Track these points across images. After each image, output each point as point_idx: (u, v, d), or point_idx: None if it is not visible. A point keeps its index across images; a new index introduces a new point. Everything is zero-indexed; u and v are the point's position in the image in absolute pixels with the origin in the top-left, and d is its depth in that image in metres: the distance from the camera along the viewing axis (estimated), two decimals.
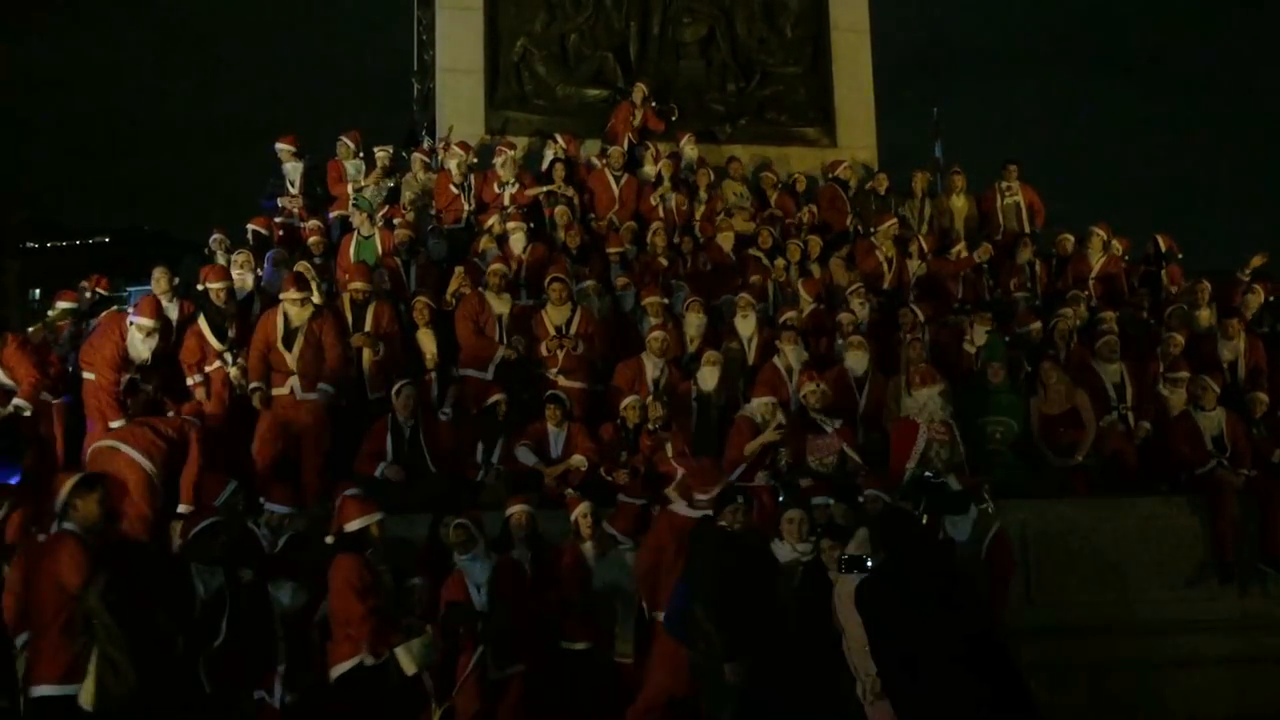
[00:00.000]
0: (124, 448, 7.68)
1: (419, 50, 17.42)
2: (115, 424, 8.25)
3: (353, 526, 6.63)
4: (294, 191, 12.56)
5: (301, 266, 10.35)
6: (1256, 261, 12.30)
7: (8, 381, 8.62)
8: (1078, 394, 9.65)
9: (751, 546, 7.01)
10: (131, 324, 8.82)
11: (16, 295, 50.16)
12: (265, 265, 10.78)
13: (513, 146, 12.83)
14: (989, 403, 9.44)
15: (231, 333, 9.16)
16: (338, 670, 6.37)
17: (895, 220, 12.64)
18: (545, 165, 12.82)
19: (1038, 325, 10.77)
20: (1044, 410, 9.62)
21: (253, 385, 8.79)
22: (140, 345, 8.78)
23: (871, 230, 12.55)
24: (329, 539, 6.82)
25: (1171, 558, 8.95)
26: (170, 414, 8.42)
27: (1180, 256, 12.96)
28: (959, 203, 13.74)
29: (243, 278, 10.17)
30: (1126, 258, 12.99)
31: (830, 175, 13.72)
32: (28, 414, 8.59)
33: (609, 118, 13.52)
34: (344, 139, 12.86)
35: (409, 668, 6.38)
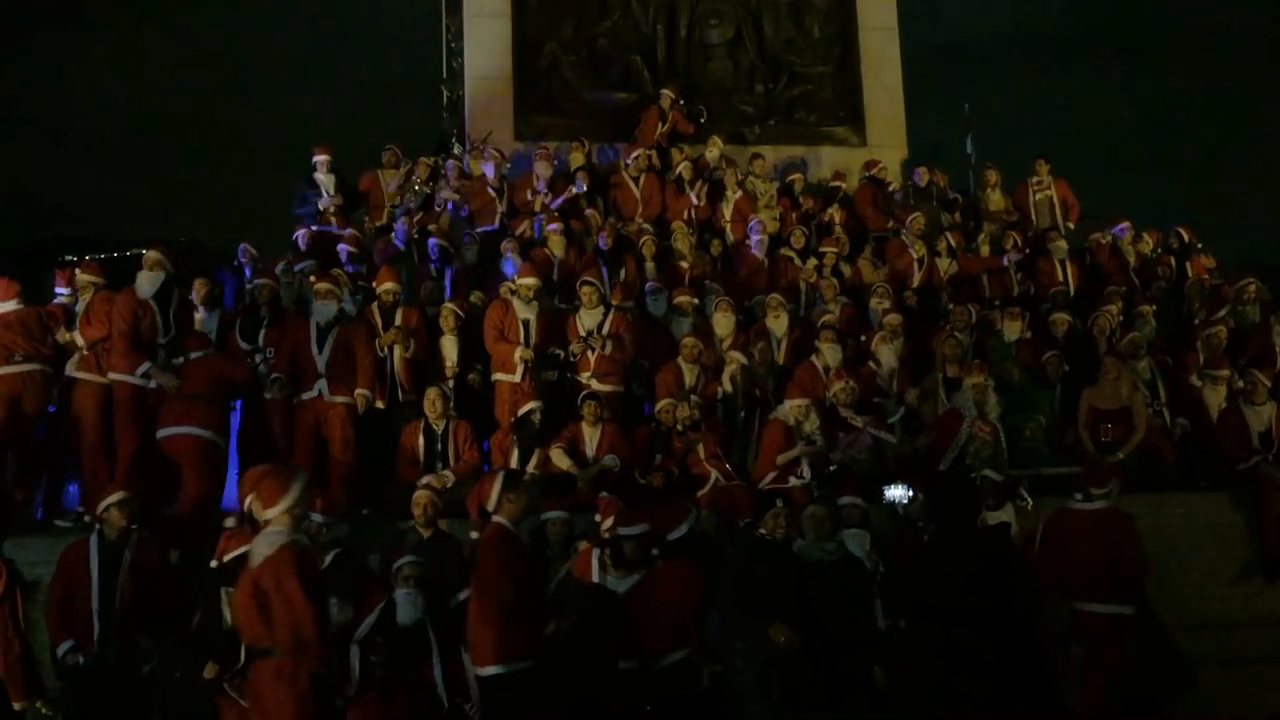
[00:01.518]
0: None
1: (447, 57, 17.47)
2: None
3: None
4: (330, 200, 12.62)
5: (335, 272, 10.40)
6: None
7: None
8: (1136, 394, 9.58)
9: (785, 553, 6.98)
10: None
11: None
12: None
13: (551, 153, 12.83)
14: (1016, 400, 9.41)
15: (262, 338, 9.20)
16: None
17: (922, 216, 12.57)
18: (570, 170, 12.85)
19: (1063, 317, 10.68)
20: (1095, 403, 9.56)
21: (273, 376, 8.80)
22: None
23: (901, 229, 12.50)
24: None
25: (1214, 554, 8.87)
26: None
27: (1199, 246, 12.83)
28: (994, 198, 13.66)
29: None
30: (1158, 250, 12.87)
31: (866, 175, 13.68)
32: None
33: (637, 120, 13.54)
34: (390, 148, 12.97)
35: None
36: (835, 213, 12.90)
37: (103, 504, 6.98)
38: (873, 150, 14.32)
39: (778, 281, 11.45)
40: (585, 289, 9.98)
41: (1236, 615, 8.61)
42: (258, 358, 9.17)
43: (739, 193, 12.80)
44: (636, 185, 12.59)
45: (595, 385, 9.57)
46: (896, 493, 7.86)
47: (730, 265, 11.92)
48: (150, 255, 8.71)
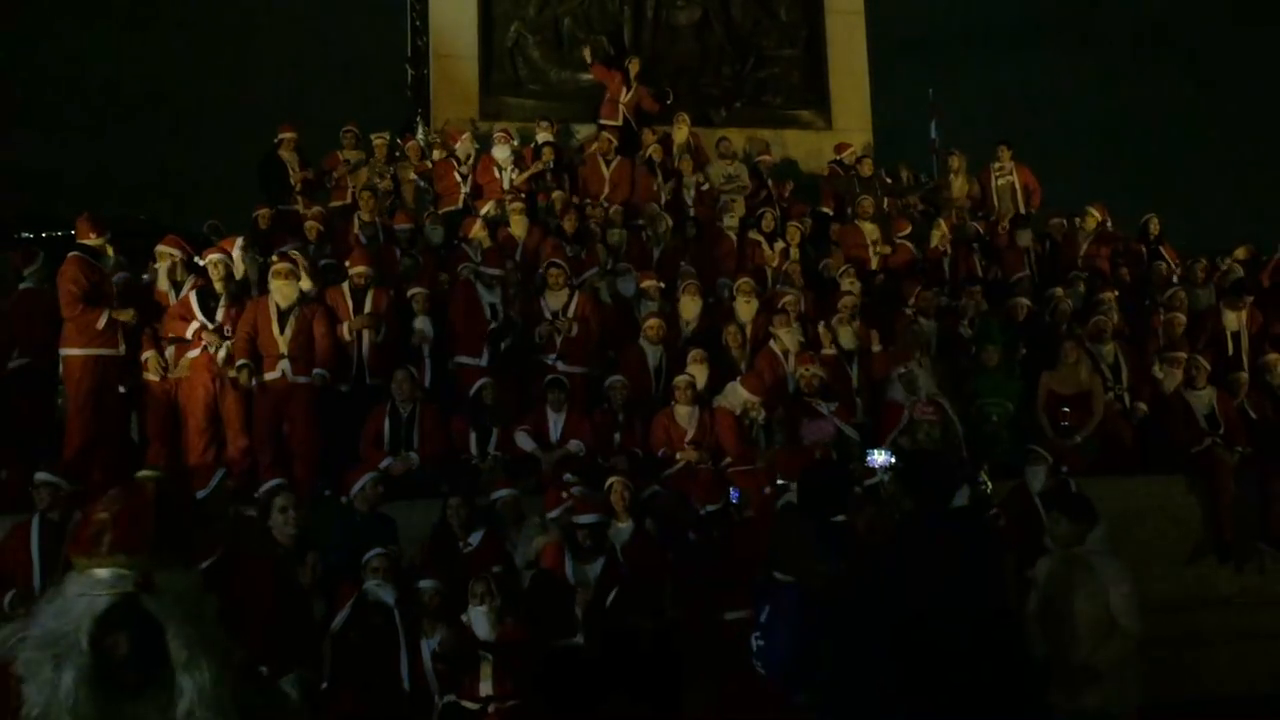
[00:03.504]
0: None
1: (412, 36, 17.33)
2: None
3: None
4: (294, 179, 12.51)
5: (293, 254, 10.30)
6: (1240, 254, 12.36)
7: None
8: (1094, 379, 9.70)
9: None
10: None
11: (13, 285, 50.09)
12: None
13: (511, 135, 12.80)
14: (985, 384, 9.50)
15: (220, 314, 9.13)
16: None
17: (872, 201, 12.64)
18: (535, 150, 12.81)
19: (1023, 302, 10.79)
20: (1054, 387, 9.67)
21: (240, 363, 8.72)
22: None
23: (855, 213, 12.58)
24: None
25: (1169, 536, 9.01)
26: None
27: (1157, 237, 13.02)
28: (957, 183, 13.77)
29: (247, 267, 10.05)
30: (1115, 240, 13.01)
31: (835, 159, 13.73)
32: None
33: (603, 101, 13.51)
34: (349, 129, 12.87)
35: None
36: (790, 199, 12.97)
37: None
38: (838, 134, 14.39)
39: (746, 265, 11.47)
40: (552, 270, 9.95)
41: (1190, 595, 8.75)
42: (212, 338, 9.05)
43: (705, 182, 12.82)
44: (606, 166, 12.57)
45: (561, 367, 9.57)
46: (880, 458, 7.90)
47: (700, 247, 11.93)
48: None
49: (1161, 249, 12.75)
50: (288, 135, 12.54)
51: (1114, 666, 5.15)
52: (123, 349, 8.67)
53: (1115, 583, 5.23)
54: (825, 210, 13.05)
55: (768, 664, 4.56)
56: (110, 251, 9.07)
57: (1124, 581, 5.25)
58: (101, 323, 8.40)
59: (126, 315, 8.58)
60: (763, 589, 4.74)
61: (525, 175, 12.29)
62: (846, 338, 9.93)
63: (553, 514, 7.26)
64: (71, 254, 8.65)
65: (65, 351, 8.51)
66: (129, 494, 2.79)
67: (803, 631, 4.42)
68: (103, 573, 2.62)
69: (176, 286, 9.29)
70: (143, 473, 2.95)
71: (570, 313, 9.77)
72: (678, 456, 8.77)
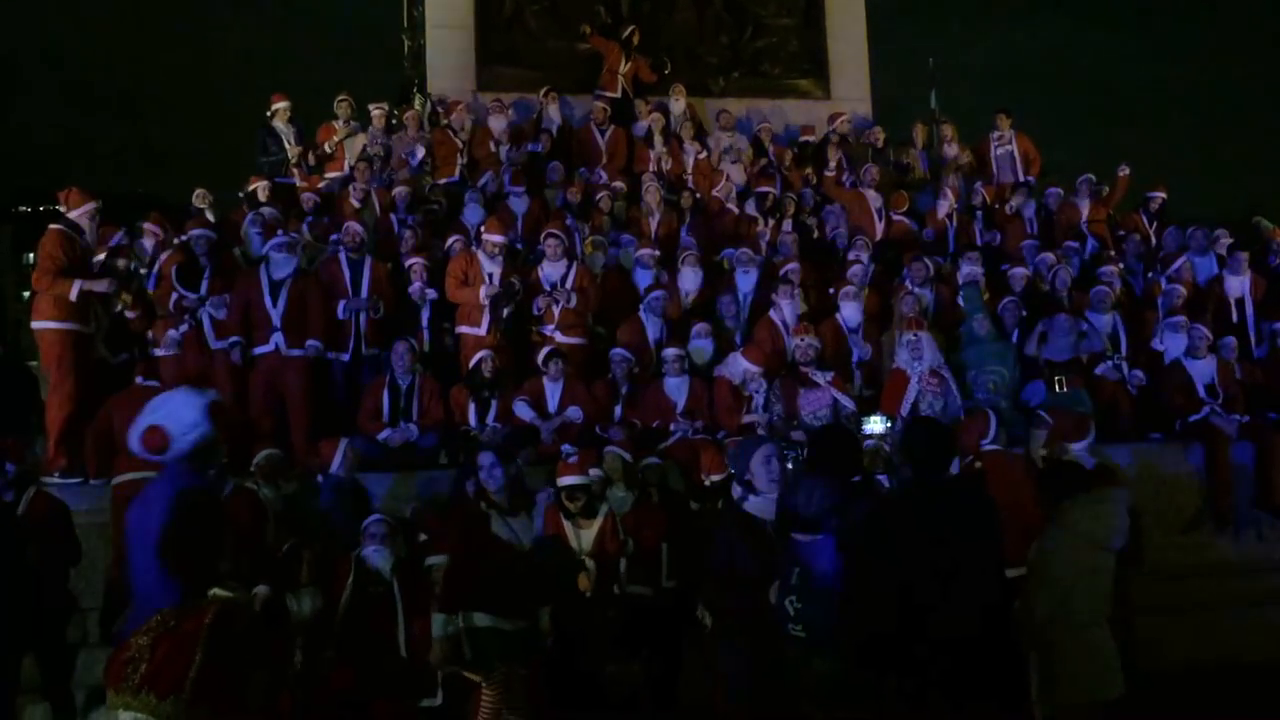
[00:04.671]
0: None
1: (409, 6, 17.23)
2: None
3: None
4: (290, 149, 12.45)
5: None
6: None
7: None
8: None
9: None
10: None
11: (11, 260, 50.02)
12: (247, 227, 10.49)
13: (505, 106, 12.75)
14: (981, 352, 9.47)
15: (205, 287, 9.09)
16: None
17: (880, 170, 12.60)
18: (540, 113, 12.76)
19: (1020, 271, 10.77)
20: (1049, 356, 9.63)
21: (232, 339, 8.72)
22: None
23: (861, 182, 12.53)
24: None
25: (1167, 504, 9.02)
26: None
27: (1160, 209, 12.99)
28: (952, 152, 13.70)
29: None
30: (1112, 212, 12.97)
31: (830, 128, 13.66)
32: None
33: (600, 71, 13.43)
34: (342, 99, 12.79)
35: None
36: (797, 170, 12.90)
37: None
38: (836, 103, 14.31)
39: (746, 236, 11.44)
40: (550, 241, 9.92)
41: (1188, 563, 8.77)
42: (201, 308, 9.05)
43: (703, 152, 12.77)
44: (603, 137, 12.51)
45: (559, 337, 9.55)
46: (875, 425, 7.90)
47: (698, 219, 11.89)
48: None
49: (1160, 218, 12.71)
50: (281, 105, 12.44)
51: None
52: (92, 326, 8.59)
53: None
54: (829, 177, 12.97)
55: (808, 625, 4.57)
56: (90, 226, 8.77)
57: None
58: (73, 294, 8.27)
59: (101, 285, 8.46)
60: (786, 552, 4.76)
61: (518, 153, 12.21)
62: (850, 311, 9.89)
63: (563, 481, 7.20)
64: (52, 226, 8.60)
65: (37, 325, 8.43)
66: (180, 618, 2.26)
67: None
68: (126, 717, 2.13)
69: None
70: (216, 591, 2.50)
71: (568, 284, 9.74)
72: (671, 428, 8.77)
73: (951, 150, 13.59)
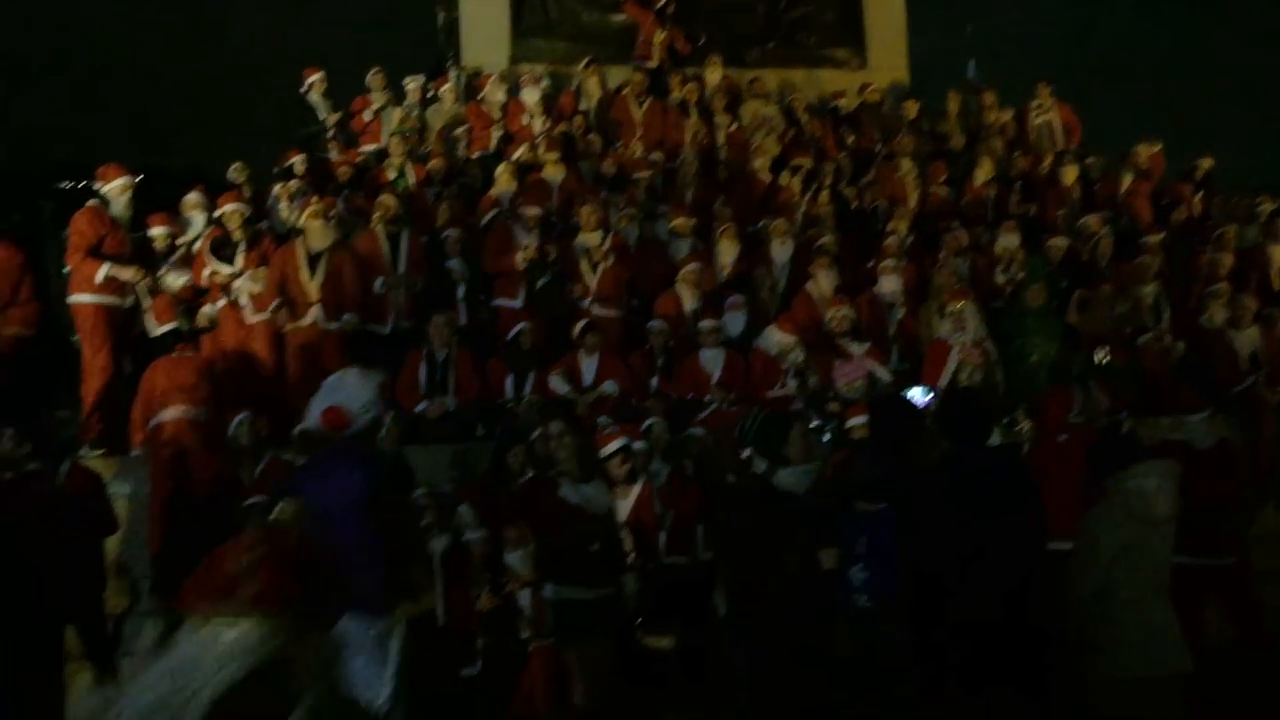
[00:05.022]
0: None
1: None
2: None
3: None
4: (326, 124, 12.47)
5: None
6: None
7: None
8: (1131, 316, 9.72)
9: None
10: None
11: (51, 235, 50.56)
12: (274, 200, 10.60)
13: (540, 78, 12.70)
14: (1025, 325, 9.40)
15: (240, 261, 9.16)
16: None
17: (914, 141, 12.48)
18: (575, 94, 12.71)
19: (1059, 242, 10.63)
20: (1087, 327, 9.62)
21: (275, 303, 8.78)
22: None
23: (894, 153, 12.42)
24: None
25: None
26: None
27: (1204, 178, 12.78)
28: (1003, 118, 13.54)
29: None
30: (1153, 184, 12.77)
31: (862, 98, 13.54)
32: None
33: (635, 43, 13.36)
34: (376, 71, 12.78)
35: None
36: (832, 134, 12.81)
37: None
38: (873, 73, 14.16)
39: (781, 207, 11.37)
40: (584, 210, 9.90)
41: None
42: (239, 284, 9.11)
43: (735, 123, 12.69)
44: (639, 108, 12.46)
45: (596, 310, 9.54)
46: (916, 395, 7.86)
47: (734, 190, 11.83)
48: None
49: (1206, 188, 12.52)
50: (315, 77, 12.46)
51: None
52: (130, 301, 8.70)
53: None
54: (868, 148, 12.85)
55: (876, 595, 4.55)
56: (123, 202, 8.90)
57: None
58: (99, 276, 8.42)
59: (129, 273, 8.56)
60: (853, 522, 4.74)
61: (551, 128, 12.16)
62: (891, 283, 9.80)
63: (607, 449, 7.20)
64: (90, 203, 8.72)
65: (72, 299, 8.57)
66: (273, 539, 2.31)
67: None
68: (233, 633, 2.11)
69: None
70: (282, 508, 2.60)
71: (606, 256, 9.71)
72: (706, 400, 8.76)
73: (991, 118, 13.42)
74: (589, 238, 9.79)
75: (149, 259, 9.10)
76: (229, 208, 9.50)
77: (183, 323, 8.75)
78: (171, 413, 7.61)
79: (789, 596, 4.68)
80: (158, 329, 8.76)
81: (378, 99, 12.62)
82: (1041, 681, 4.45)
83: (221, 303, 9.11)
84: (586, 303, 9.60)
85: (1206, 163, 12.75)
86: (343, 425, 4.70)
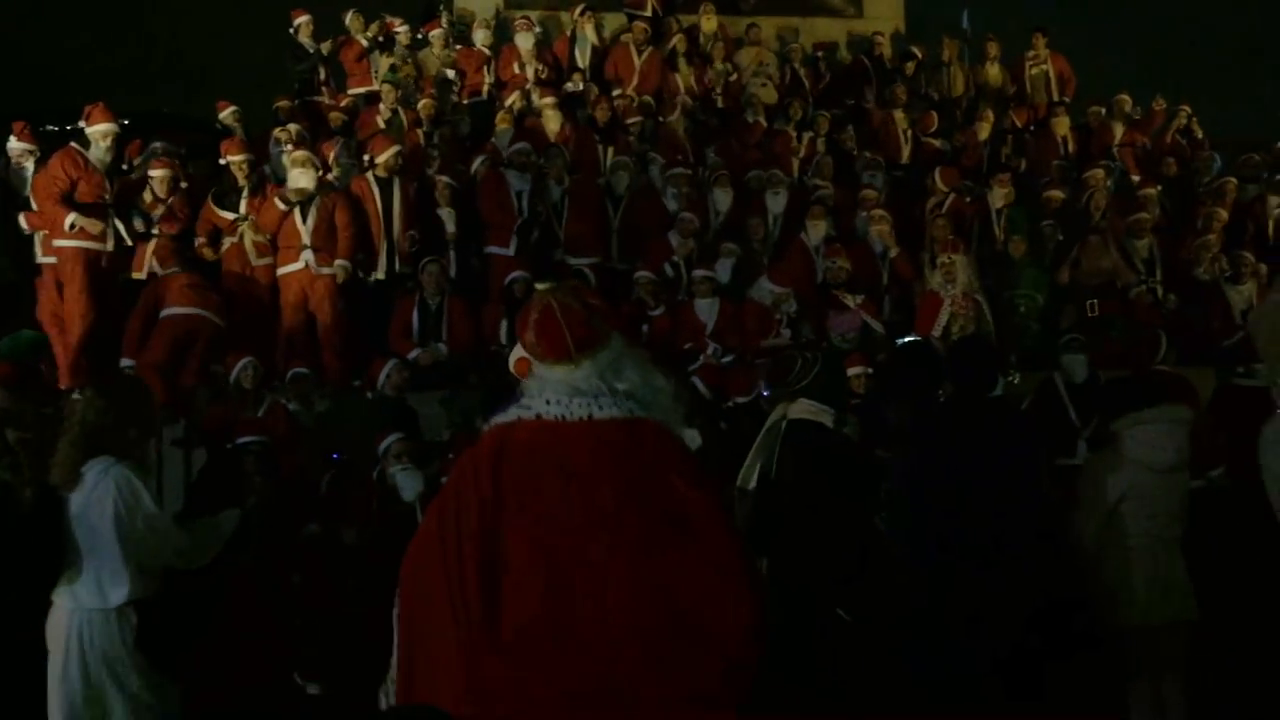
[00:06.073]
0: None
1: None
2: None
3: None
4: (317, 65, 12.33)
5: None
6: None
7: None
8: (1121, 269, 9.69)
9: None
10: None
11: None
12: (272, 146, 10.52)
13: (533, 23, 12.54)
14: (1012, 276, 9.41)
15: (244, 207, 9.09)
16: None
17: (906, 91, 12.39)
18: (570, 40, 12.58)
19: (1056, 194, 10.60)
20: (1078, 278, 9.64)
21: (256, 237, 8.89)
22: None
23: (886, 104, 12.34)
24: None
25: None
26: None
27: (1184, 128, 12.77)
28: (992, 71, 13.46)
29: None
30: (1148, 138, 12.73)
31: (861, 53, 13.45)
32: None
33: None
34: (358, 15, 12.61)
35: None
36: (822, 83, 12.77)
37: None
38: (869, 22, 14.05)
39: (776, 155, 11.30)
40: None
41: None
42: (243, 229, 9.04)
43: (734, 73, 12.58)
44: (638, 55, 12.32)
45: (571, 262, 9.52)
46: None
47: (728, 138, 11.74)
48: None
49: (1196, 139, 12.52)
50: (303, 19, 12.29)
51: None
52: (111, 244, 8.56)
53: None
54: (864, 104, 12.77)
55: (897, 539, 4.50)
56: (103, 146, 8.66)
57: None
58: (66, 224, 8.26)
59: (91, 224, 8.32)
60: (874, 469, 4.71)
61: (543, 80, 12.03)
62: (878, 234, 9.78)
63: None
64: (70, 145, 8.57)
65: (55, 242, 8.43)
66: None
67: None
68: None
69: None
70: (542, 286, 3.31)
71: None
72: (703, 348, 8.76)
73: (991, 70, 13.35)
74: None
75: (129, 204, 9.01)
76: (236, 158, 9.38)
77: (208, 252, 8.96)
78: (182, 310, 8.13)
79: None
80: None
81: (360, 40, 12.45)
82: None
83: (227, 244, 9.05)
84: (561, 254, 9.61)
85: (1184, 115, 12.72)
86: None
